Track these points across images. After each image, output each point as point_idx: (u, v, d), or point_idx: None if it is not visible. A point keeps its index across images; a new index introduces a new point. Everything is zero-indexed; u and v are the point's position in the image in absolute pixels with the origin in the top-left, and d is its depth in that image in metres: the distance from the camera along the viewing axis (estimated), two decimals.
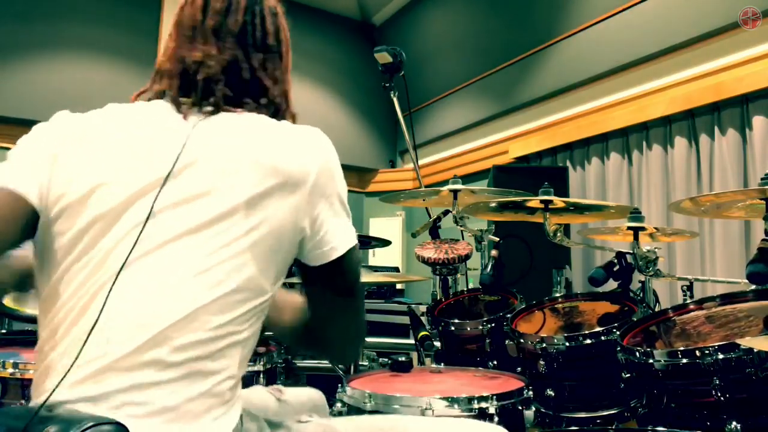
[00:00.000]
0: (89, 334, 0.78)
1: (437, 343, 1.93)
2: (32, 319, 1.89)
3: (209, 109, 0.93)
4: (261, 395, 1.19)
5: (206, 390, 0.81)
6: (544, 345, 1.56)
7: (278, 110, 1.00)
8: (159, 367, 0.79)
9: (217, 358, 0.82)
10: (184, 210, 0.83)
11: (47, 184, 0.85)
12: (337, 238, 0.94)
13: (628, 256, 1.76)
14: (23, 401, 1.45)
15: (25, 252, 0.92)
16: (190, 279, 0.81)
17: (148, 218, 0.82)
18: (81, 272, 0.82)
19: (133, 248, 0.81)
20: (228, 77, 0.95)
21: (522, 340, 1.64)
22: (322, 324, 1.00)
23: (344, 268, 0.95)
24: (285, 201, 0.87)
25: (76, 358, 0.78)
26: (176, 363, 0.79)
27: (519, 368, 1.68)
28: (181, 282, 0.81)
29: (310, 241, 0.92)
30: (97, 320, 0.79)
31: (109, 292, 0.80)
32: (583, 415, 1.55)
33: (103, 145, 0.88)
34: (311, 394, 1.29)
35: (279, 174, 0.86)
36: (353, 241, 0.96)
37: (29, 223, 0.85)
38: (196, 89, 0.94)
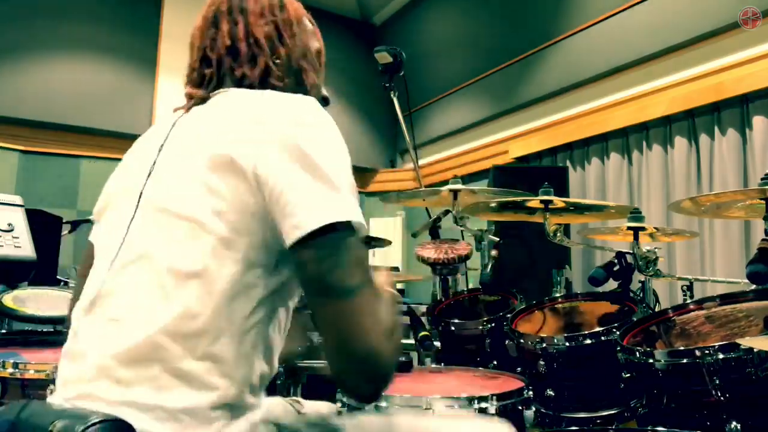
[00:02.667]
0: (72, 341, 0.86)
1: (437, 343, 1.93)
2: (32, 319, 1.89)
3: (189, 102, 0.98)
4: (281, 406, 1.17)
5: (199, 385, 0.78)
6: (544, 345, 1.56)
7: (265, 72, 1.01)
8: (145, 365, 0.78)
9: (206, 354, 0.79)
10: (155, 214, 0.86)
11: None
12: (301, 212, 0.76)
13: (628, 256, 1.76)
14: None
15: None
16: (163, 275, 0.80)
17: (129, 225, 0.88)
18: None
19: (118, 252, 0.87)
20: (210, 60, 1.00)
21: (522, 340, 1.64)
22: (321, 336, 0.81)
23: (315, 255, 0.75)
24: (238, 182, 0.80)
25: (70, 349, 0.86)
26: (161, 359, 0.78)
27: (519, 368, 1.68)
28: (155, 278, 0.81)
29: (278, 221, 0.78)
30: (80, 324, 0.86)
31: (95, 299, 0.86)
32: (583, 415, 1.55)
33: (120, 168, 1.01)
34: (329, 408, 1.27)
35: (224, 157, 0.81)
36: (332, 217, 0.76)
37: None
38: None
